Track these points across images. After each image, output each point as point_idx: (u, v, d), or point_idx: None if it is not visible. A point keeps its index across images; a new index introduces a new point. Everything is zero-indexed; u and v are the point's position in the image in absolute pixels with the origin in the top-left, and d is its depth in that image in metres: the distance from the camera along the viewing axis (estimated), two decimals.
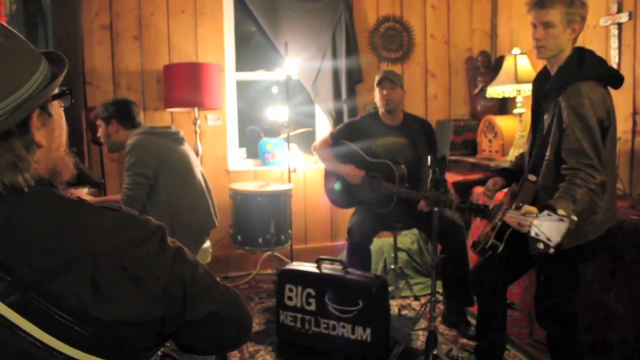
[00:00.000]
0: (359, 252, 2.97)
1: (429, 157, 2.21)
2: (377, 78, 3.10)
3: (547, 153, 2.02)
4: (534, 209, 1.77)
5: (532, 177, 2.12)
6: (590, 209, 1.85)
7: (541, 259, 1.99)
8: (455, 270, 2.89)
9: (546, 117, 2.05)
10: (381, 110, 3.12)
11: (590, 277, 2.42)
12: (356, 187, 3.10)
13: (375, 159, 3.05)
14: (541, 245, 1.67)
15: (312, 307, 2.65)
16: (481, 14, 4.42)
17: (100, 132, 2.82)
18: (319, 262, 2.72)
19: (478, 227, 3.67)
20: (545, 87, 2.06)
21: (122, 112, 2.73)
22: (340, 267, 2.69)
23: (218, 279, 1.02)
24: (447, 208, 2.34)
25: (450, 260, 2.83)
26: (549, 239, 1.67)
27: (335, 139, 3.21)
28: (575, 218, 1.66)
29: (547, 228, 1.68)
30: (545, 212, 1.68)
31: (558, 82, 1.99)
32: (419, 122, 3.19)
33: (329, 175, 3.28)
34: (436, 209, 2.24)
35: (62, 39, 3.51)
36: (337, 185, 3.19)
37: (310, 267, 2.74)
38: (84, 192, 3.00)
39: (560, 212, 1.66)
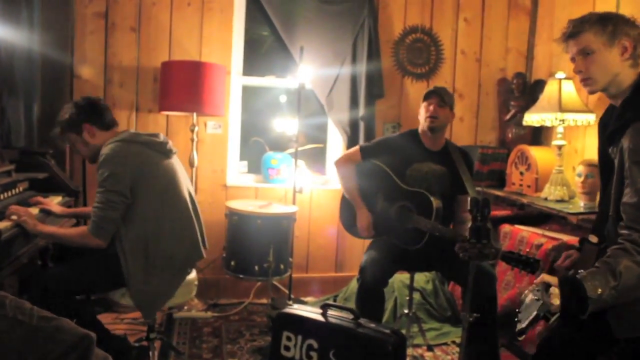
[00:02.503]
0: (371, 296, 2.54)
1: (467, 198, 1.82)
2: (425, 92, 2.72)
3: (610, 209, 1.64)
4: (552, 280, 1.47)
5: (593, 238, 1.76)
6: None
7: (627, 345, 1.55)
8: (482, 327, 2.45)
9: (616, 164, 1.65)
10: (422, 128, 2.71)
11: None
12: (381, 216, 2.68)
13: (409, 186, 2.63)
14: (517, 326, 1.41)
15: None
16: (518, 32, 4.02)
17: (77, 147, 2.35)
18: (324, 308, 2.27)
19: (503, 272, 3.23)
20: (609, 128, 1.67)
21: (91, 111, 2.28)
22: (350, 317, 2.25)
23: None
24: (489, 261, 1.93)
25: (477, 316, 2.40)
26: (519, 321, 1.39)
27: (365, 156, 2.77)
28: (556, 303, 1.37)
29: (527, 307, 1.39)
30: (543, 286, 1.43)
31: (621, 120, 1.60)
32: (460, 151, 2.77)
33: (345, 199, 2.85)
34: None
35: (50, 24, 3.12)
36: None
37: (313, 313, 2.29)
38: (54, 202, 2.58)
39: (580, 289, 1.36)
